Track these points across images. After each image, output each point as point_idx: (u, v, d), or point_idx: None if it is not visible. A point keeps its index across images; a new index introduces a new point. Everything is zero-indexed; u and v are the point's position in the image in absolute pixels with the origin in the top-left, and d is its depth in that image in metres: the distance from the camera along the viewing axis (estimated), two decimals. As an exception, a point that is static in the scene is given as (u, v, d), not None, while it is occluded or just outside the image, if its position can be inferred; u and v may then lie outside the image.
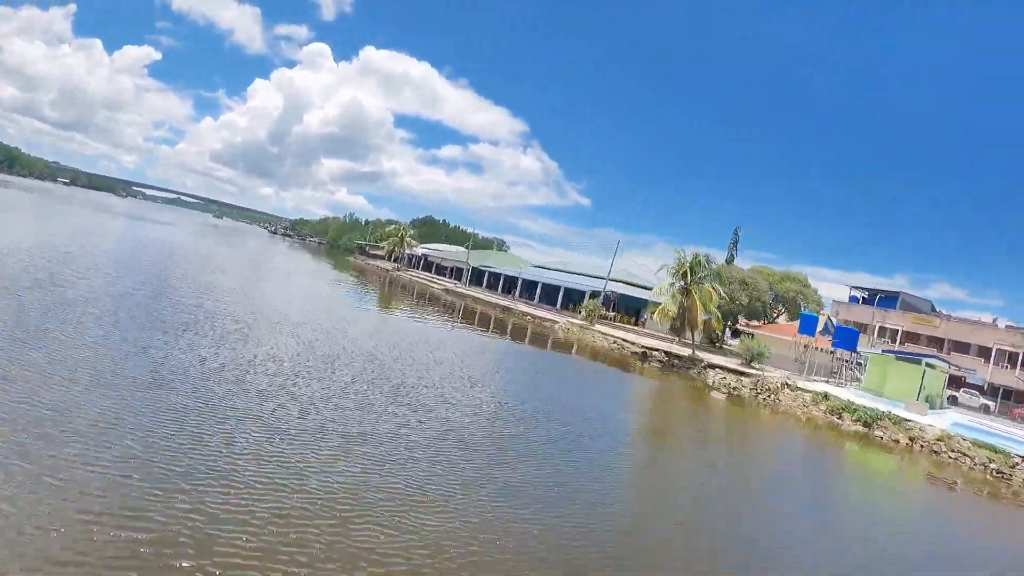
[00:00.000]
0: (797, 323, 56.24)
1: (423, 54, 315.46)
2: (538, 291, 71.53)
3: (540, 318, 61.51)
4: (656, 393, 38.43)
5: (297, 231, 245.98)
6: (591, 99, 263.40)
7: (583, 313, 62.08)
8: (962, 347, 70.36)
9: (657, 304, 70.91)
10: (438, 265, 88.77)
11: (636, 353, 49.21)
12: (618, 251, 66.69)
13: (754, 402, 39.97)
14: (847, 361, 50.37)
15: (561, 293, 68.40)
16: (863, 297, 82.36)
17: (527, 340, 48.30)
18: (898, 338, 71.70)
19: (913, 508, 25.24)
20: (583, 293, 66.13)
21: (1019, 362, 64.54)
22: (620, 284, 72.44)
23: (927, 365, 43.11)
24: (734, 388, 42.04)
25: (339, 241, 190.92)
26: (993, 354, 65.67)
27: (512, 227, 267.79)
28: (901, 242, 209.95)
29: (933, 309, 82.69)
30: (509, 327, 54.19)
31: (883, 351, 44.48)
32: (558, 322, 59.24)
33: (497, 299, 71.05)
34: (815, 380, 45.50)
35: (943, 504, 26.87)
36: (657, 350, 49.04)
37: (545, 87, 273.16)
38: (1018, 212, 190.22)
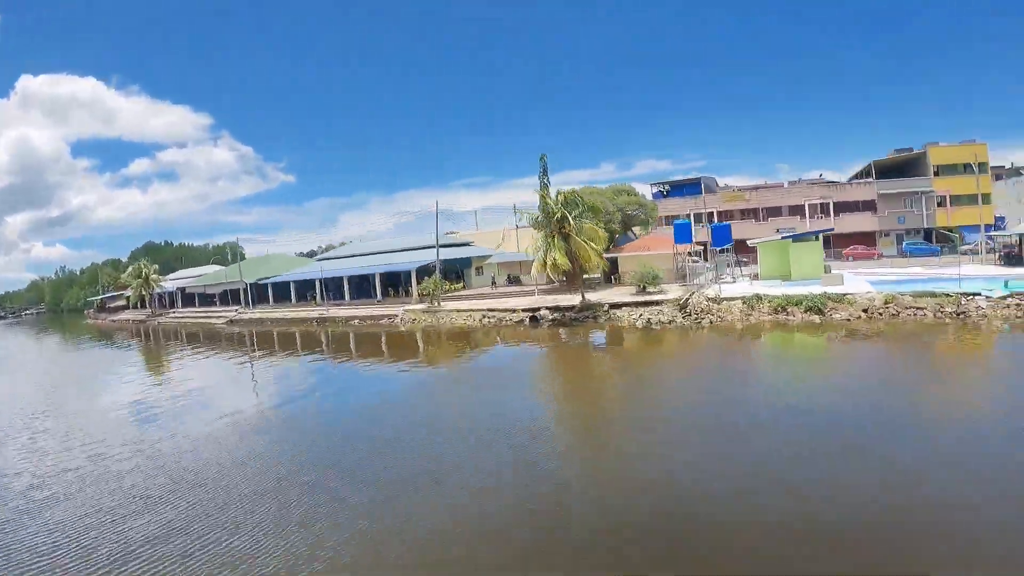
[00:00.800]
0: (655, 238, 53.56)
1: (86, 68, 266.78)
2: (346, 287, 60.16)
3: (369, 317, 50.95)
4: (597, 354, 31.32)
5: (5, 307, 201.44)
6: (270, 71, 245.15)
7: (415, 296, 52.95)
8: (774, 211, 73.69)
9: (484, 258, 64.54)
10: (202, 295, 71.75)
11: (520, 321, 41.70)
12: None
13: (694, 326, 34.95)
14: (724, 258, 48.27)
15: (378, 281, 58.01)
16: (664, 192, 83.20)
17: (382, 352, 38.08)
18: (715, 219, 72.96)
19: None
20: (404, 274, 56.55)
21: (830, 210, 68.74)
22: (428, 250, 64.14)
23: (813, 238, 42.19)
24: (659, 321, 36.67)
25: (61, 304, 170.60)
26: (807, 209, 69.15)
27: (227, 226, 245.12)
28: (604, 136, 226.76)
29: (717, 186, 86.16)
30: (331, 341, 43.00)
31: (782, 236, 42.39)
32: (396, 315, 49.37)
33: (301, 311, 58.27)
34: (713, 286, 42.19)
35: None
36: (539, 309, 42.02)
37: (219, 72, 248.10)
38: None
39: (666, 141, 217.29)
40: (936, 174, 65.84)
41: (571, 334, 36.77)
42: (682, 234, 46.24)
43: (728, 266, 47.61)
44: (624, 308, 39.95)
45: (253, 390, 29.81)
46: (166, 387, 32.79)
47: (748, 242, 47.28)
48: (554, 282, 53.77)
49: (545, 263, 39.18)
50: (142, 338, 59.33)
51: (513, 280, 59.43)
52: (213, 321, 62.32)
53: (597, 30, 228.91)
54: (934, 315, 33.07)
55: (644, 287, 42.81)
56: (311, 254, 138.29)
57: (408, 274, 55.76)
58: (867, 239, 69.73)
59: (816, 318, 34.36)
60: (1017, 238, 45.95)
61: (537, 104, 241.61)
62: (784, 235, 42.85)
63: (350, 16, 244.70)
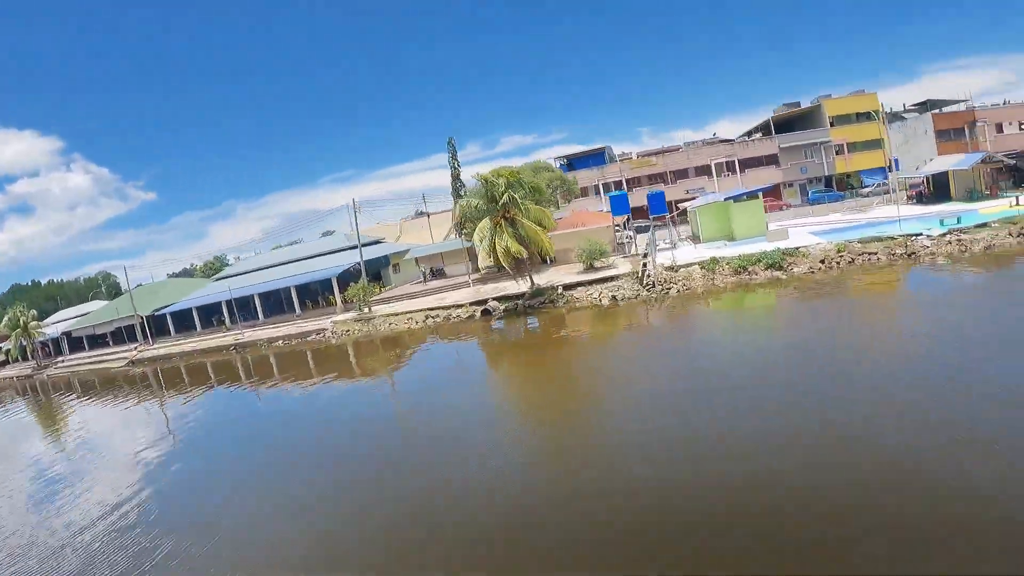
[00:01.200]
0: (585, 213, 53.22)
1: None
2: (259, 305, 55.81)
3: (295, 335, 47.33)
4: (564, 344, 30.08)
5: None
6: (114, 83, 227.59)
7: (340, 305, 49.94)
8: (681, 174, 75.41)
9: (402, 254, 61.92)
10: (92, 337, 64.46)
11: (470, 316, 40.02)
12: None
13: (661, 297, 34.66)
14: (661, 224, 48.59)
15: (295, 294, 54.29)
16: (569, 164, 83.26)
17: (327, 371, 35.18)
18: (623, 187, 73.82)
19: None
20: (323, 283, 53.12)
21: (736, 168, 71.10)
22: (342, 253, 60.79)
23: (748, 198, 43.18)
24: (624, 296, 36.29)
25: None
26: (714, 169, 71.11)
27: (93, 255, 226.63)
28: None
29: (613, 154, 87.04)
30: (256, 368, 39.31)
31: (726, 197, 42.90)
32: (324, 328, 46.22)
33: (212, 339, 53.35)
34: (665, 253, 42.38)
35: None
36: (486, 300, 40.53)
37: (62, 87, 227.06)
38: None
39: (528, 115, 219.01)
40: (832, 125, 69.36)
41: (535, 321, 35.39)
42: (619, 205, 46.04)
43: (668, 233, 47.81)
44: (579, 288, 39.14)
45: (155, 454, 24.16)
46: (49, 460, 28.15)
47: (687, 206, 47.70)
48: (481, 271, 52.47)
49: (493, 251, 37.39)
50: (30, 395, 52.54)
51: (437, 273, 57.31)
52: (110, 364, 56.06)
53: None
54: (887, 258, 34.41)
55: (591, 264, 42.13)
56: (186, 273, 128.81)
57: (328, 282, 52.38)
58: (772, 192, 72.69)
59: (779, 274, 34.92)
60: (925, 179, 48.83)
61: (394, 90, 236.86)
62: (700, 197, 43.29)
63: (187, 17, 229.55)
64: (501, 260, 36.89)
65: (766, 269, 35.49)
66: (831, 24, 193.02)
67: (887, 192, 61.07)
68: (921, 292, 28.80)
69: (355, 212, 50.10)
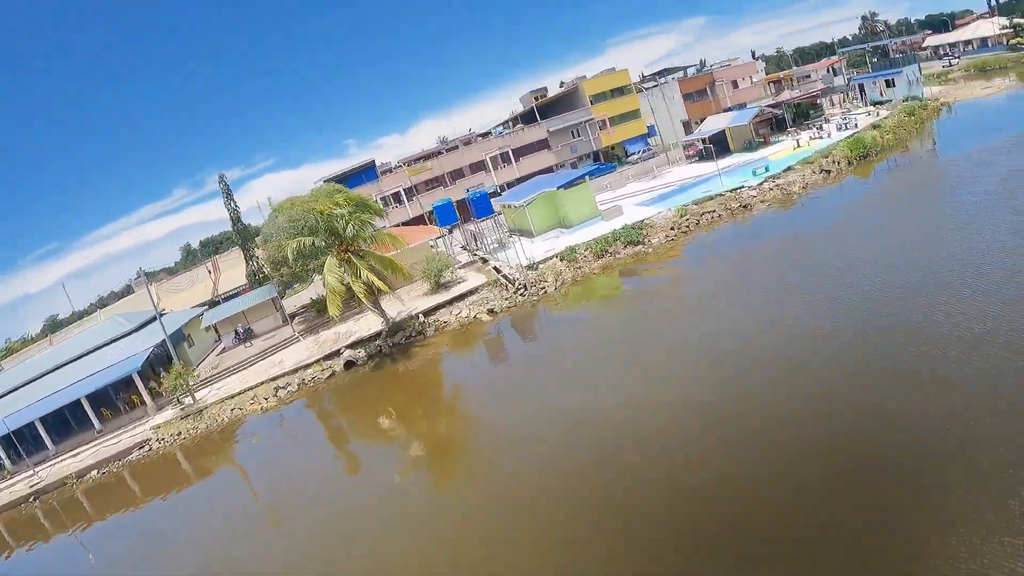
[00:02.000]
0: (402, 230, 50.62)
1: None
2: (44, 433, 43.12)
3: (110, 459, 36.93)
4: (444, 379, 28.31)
5: None
6: None
7: (151, 405, 40.67)
8: (457, 174, 75.94)
9: (194, 321, 53.72)
10: None
11: (330, 375, 35.43)
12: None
13: (539, 296, 34.06)
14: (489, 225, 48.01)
15: (87, 405, 42.13)
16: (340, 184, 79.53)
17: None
18: (402, 197, 72.59)
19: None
20: (119, 383, 42.35)
21: (511, 158, 73.40)
22: (121, 341, 49.33)
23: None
24: (500, 307, 34.86)
25: None
26: (489, 162, 72.71)
27: None
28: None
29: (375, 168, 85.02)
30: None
31: (558, 188, 43.09)
32: (147, 439, 36.86)
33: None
34: (496, 257, 41.95)
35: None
36: (339, 351, 36.42)
37: None
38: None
39: (230, 148, 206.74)
40: (592, 103, 74.28)
41: (416, 360, 32.37)
42: (446, 215, 44.52)
43: (499, 233, 47.28)
44: (441, 311, 36.91)
45: None
46: None
47: (513, 205, 47.35)
48: (298, 315, 47.81)
49: (337, 292, 33.42)
50: None
51: (245, 335, 49.43)
52: None
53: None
54: (726, 212, 37.39)
55: (438, 282, 40.06)
56: None
57: (128, 380, 41.68)
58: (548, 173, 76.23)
59: (640, 248, 36.13)
60: (702, 139, 53.96)
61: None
62: (561, 186, 43.56)
63: None
64: (363, 299, 33.38)
65: (626, 247, 36.44)
66: (511, 15, 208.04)
67: (653, 156, 66.90)
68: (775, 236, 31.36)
69: (147, 283, 42.15)
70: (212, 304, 59.63)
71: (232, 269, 72.62)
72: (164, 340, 40.15)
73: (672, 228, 37.22)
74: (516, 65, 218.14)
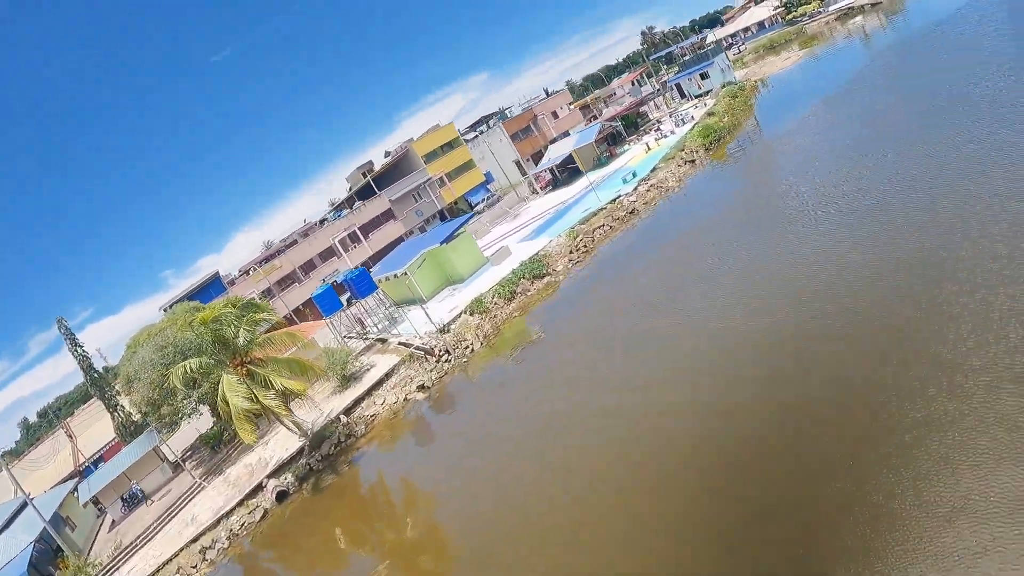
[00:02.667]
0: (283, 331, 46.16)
1: None
2: None
3: None
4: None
5: None
6: None
7: None
8: (309, 266, 72.21)
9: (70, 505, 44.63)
10: None
11: (262, 516, 30.25)
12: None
13: (467, 358, 31.61)
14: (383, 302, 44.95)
15: None
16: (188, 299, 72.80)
17: None
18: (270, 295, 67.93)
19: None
20: None
21: (360, 238, 70.89)
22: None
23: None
24: (431, 380, 31.92)
25: None
26: (338, 246, 69.79)
27: None
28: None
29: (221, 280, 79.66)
30: None
31: (440, 244, 40.81)
32: None
33: None
34: (393, 333, 39.19)
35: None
36: (262, 486, 31.50)
37: None
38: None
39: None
40: (426, 163, 73.34)
41: (354, 468, 28.49)
42: (329, 302, 40.96)
43: (388, 308, 44.23)
44: (363, 403, 33.25)
45: None
46: None
47: (394, 275, 44.21)
48: (188, 459, 41.57)
49: (247, 414, 28.88)
50: None
51: (131, 500, 41.69)
52: None
53: None
54: (616, 222, 37.21)
55: (346, 378, 36.17)
56: None
57: None
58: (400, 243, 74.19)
59: (549, 278, 34.89)
60: (549, 171, 54.40)
61: None
62: (444, 242, 41.26)
63: None
64: (279, 415, 29.04)
65: (533, 282, 34.99)
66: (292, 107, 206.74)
67: (498, 201, 67.01)
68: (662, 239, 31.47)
69: (5, 465, 34.41)
70: (80, 475, 51.07)
71: (92, 427, 63.45)
72: (44, 530, 33.08)
73: (571, 252, 36.26)
74: (319, 156, 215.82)
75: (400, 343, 37.09)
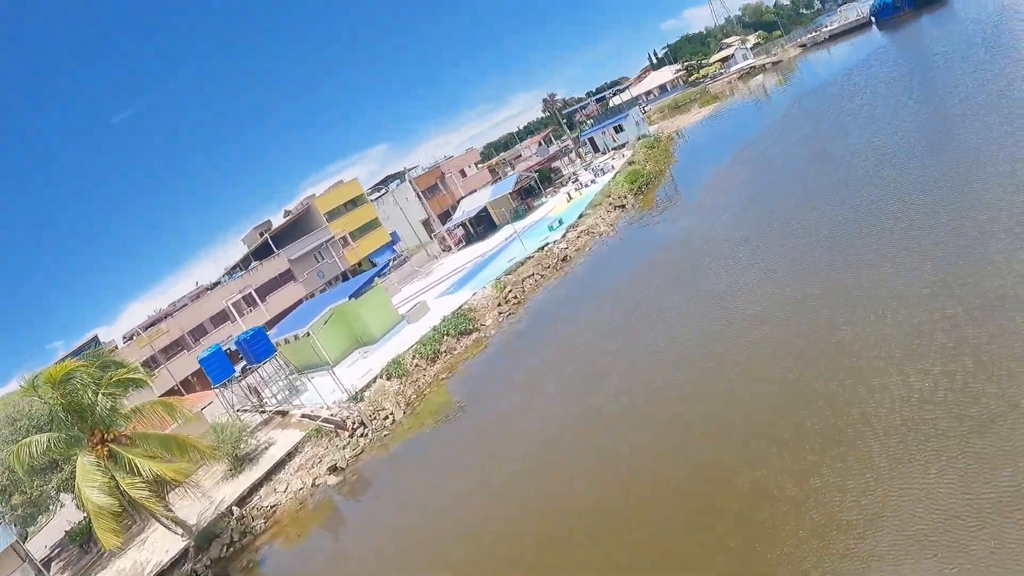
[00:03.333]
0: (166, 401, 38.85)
1: None
2: None
3: None
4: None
5: None
6: None
7: None
8: (199, 331, 64.75)
9: None
10: None
11: None
12: None
13: (387, 431, 26.38)
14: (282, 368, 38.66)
15: None
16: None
17: None
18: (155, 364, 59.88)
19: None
20: None
21: (256, 300, 64.70)
22: None
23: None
24: (344, 458, 26.26)
25: None
26: (232, 309, 62.93)
27: None
28: None
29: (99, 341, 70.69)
30: None
31: (345, 300, 35.37)
32: None
33: None
34: (295, 404, 33.58)
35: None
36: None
37: None
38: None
39: None
40: (328, 220, 67.88)
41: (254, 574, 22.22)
42: (218, 369, 34.61)
43: (289, 375, 38.02)
44: (262, 490, 27.02)
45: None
46: None
47: (296, 336, 38.23)
48: (56, 558, 33.32)
49: (107, 510, 22.13)
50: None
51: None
52: None
53: None
54: (546, 271, 33.52)
55: (240, 459, 29.76)
56: None
57: None
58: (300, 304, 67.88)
59: (477, 334, 30.39)
60: (462, 228, 50.68)
61: None
62: (349, 298, 35.86)
63: None
64: (150, 509, 22.45)
65: (459, 339, 30.32)
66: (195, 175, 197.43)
67: (404, 262, 62.71)
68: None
69: None
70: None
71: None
72: None
73: (500, 304, 31.96)
74: (218, 223, 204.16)
75: (304, 415, 31.09)
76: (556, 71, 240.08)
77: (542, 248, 35.89)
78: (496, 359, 27.83)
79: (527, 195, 54.18)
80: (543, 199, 51.18)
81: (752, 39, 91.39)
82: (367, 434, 27.24)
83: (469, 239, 52.28)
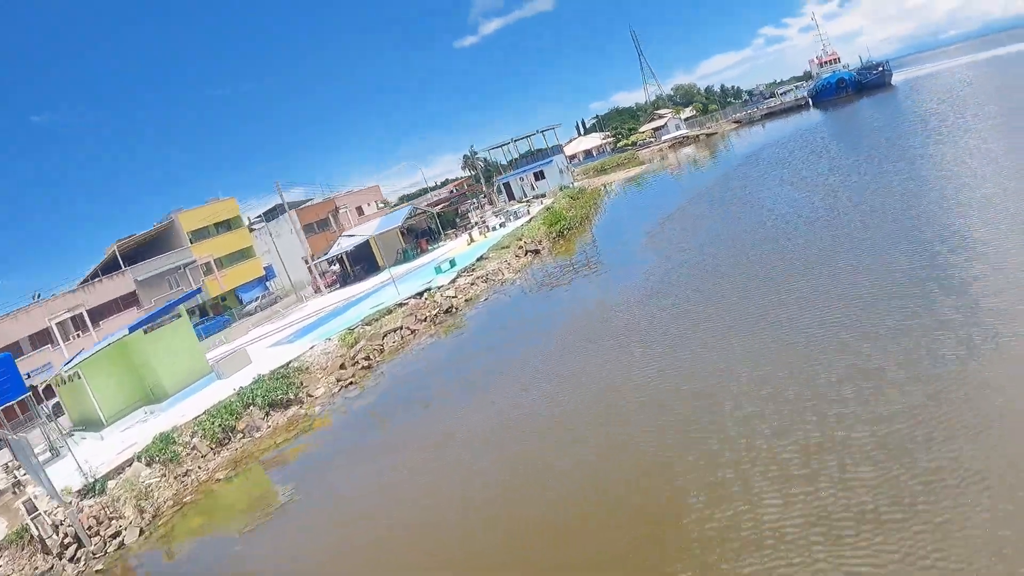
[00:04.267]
0: None
1: None
2: None
3: None
4: None
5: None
6: None
7: None
8: (13, 349, 50.13)
9: None
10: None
11: None
12: None
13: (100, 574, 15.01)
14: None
15: None
16: None
17: None
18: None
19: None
20: None
21: (87, 323, 51.41)
22: None
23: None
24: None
25: None
26: (57, 331, 49.52)
27: None
28: None
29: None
30: None
31: (131, 330, 23.76)
32: None
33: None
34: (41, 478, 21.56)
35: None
36: None
37: None
38: None
39: None
40: (192, 242, 55.20)
41: None
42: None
43: (48, 427, 25.66)
44: None
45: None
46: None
47: (66, 375, 26.11)
48: None
49: None
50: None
51: None
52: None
53: None
54: (423, 324, 23.25)
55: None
56: None
57: None
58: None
59: (297, 409, 19.55)
60: (339, 258, 40.12)
61: None
62: (120, 340, 24.18)
63: None
64: None
65: (269, 414, 19.37)
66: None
67: (276, 301, 51.32)
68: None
69: None
70: None
71: None
72: None
73: (343, 366, 21.22)
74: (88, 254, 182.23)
75: (24, 503, 19.08)
76: (482, 138, 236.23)
77: (421, 294, 25.60)
78: (311, 459, 16.89)
79: (423, 236, 44.25)
80: (440, 242, 41.23)
81: (687, 111, 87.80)
82: (80, 560, 15.76)
83: (344, 280, 41.41)
